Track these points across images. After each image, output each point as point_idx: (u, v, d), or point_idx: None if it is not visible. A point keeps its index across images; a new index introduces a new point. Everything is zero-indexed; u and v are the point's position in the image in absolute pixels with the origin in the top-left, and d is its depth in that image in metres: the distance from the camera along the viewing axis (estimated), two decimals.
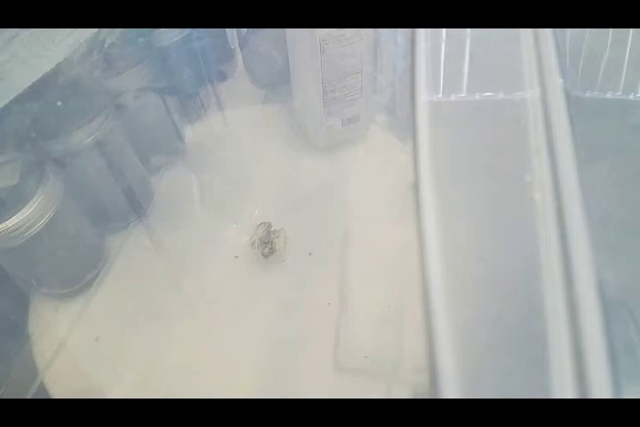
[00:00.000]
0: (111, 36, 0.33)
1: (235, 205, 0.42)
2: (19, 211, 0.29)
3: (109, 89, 0.37)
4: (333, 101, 0.39)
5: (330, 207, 0.40)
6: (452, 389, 0.18)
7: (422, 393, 0.25)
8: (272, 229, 0.37)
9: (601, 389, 0.17)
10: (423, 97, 0.24)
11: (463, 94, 0.24)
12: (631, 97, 0.28)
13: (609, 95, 0.28)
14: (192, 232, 0.40)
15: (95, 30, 0.29)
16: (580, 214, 0.19)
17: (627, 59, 0.29)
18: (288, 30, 0.38)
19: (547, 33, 0.24)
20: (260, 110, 0.50)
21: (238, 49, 0.49)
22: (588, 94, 0.28)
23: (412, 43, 0.25)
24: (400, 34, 0.38)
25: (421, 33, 0.25)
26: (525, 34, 0.25)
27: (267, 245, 0.36)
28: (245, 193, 0.43)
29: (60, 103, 0.32)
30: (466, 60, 0.25)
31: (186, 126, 0.47)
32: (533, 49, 0.24)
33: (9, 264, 0.32)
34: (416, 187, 0.22)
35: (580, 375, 0.17)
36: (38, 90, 0.26)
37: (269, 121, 0.48)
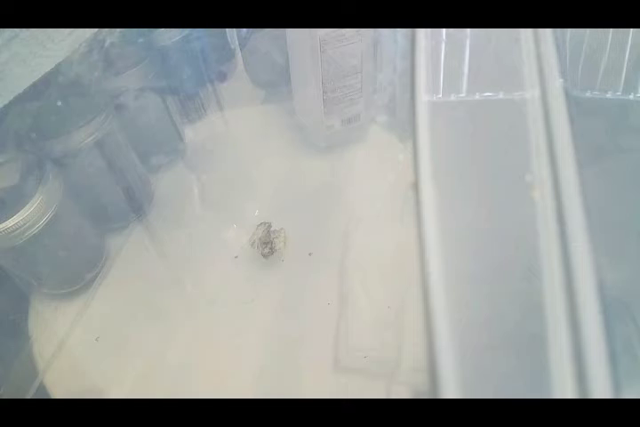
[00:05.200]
0: (111, 36, 0.33)
1: (235, 205, 0.42)
2: (19, 211, 0.29)
3: (109, 89, 0.37)
4: (333, 101, 0.39)
5: (330, 207, 0.40)
6: (451, 389, 0.18)
7: (422, 393, 0.25)
8: (272, 229, 0.37)
9: (601, 389, 0.17)
10: (423, 97, 0.24)
11: (463, 94, 0.24)
12: (631, 97, 0.28)
13: (609, 95, 0.28)
14: (192, 232, 0.40)
15: (95, 30, 0.29)
16: (580, 214, 0.19)
17: (627, 59, 0.29)
18: (288, 30, 0.38)
19: (547, 33, 0.24)
20: (260, 110, 0.50)
21: (238, 49, 0.49)
22: (588, 94, 0.28)
23: (412, 43, 0.25)
24: (400, 34, 0.38)
25: (421, 33, 0.25)
26: (525, 34, 0.25)
27: (267, 245, 0.36)
28: (245, 193, 0.42)
29: (60, 103, 0.32)
30: (466, 60, 0.25)
31: (186, 126, 0.47)
32: (533, 49, 0.24)
33: (9, 264, 0.32)
34: (416, 187, 0.22)
35: (580, 375, 0.17)
36: (38, 90, 0.26)
37: (269, 121, 0.48)
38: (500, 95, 0.23)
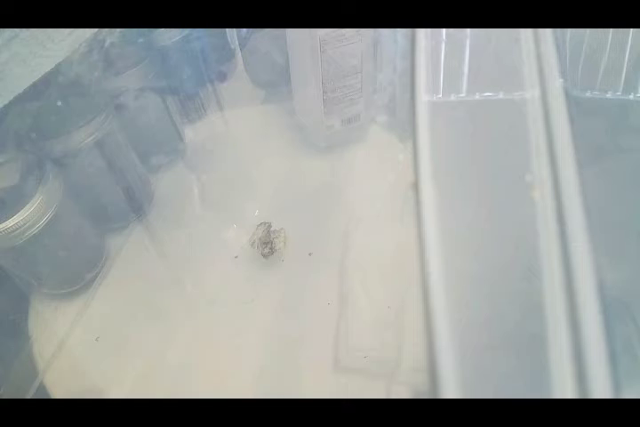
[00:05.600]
0: (111, 35, 0.33)
1: (235, 205, 0.42)
2: (19, 211, 0.29)
3: (109, 89, 0.37)
4: (333, 101, 0.39)
5: (330, 207, 0.40)
6: (451, 389, 0.18)
7: (422, 393, 0.25)
8: (272, 229, 0.37)
9: (601, 389, 0.17)
10: (423, 97, 0.24)
11: (463, 94, 0.24)
12: (631, 97, 0.28)
13: (609, 95, 0.28)
14: (192, 232, 0.40)
15: (95, 30, 0.29)
16: (580, 214, 0.19)
17: (626, 59, 0.29)
18: (288, 30, 0.38)
19: (547, 33, 0.24)
20: (260, 110, 0.50)
21: (238, 49, 0.49)
22: (587, 94, 0.28)
23: (412, 43, 0.25)
24: (400, 34, 0.39)
25: (421, 33, 0.25)
26: (525, 34, 0.25)
27: (267, 245, 0.36)
28: (245, 193, 0.43)
29: (60, 103, 0.32)
30: (466, 60, 0.25)
31: (186, 126, 0.47)
32: (533, 49, 0.24)
33: (9, 264, 0.32)
34: (416, 187, 0.22)
35: (580, 375, 0.17)
36: (38, 90, 0.26)
37: (269, 121, 0.48)
38: (500, 95, 0.23)
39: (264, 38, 0.46)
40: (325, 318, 0.33)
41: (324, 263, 0.36)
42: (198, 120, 0.48)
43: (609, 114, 0.29)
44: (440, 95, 0.24)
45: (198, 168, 0.45)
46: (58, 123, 0.32)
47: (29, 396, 0.31)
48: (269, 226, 0.37)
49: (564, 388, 0.17)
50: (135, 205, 0.40)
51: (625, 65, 0.29)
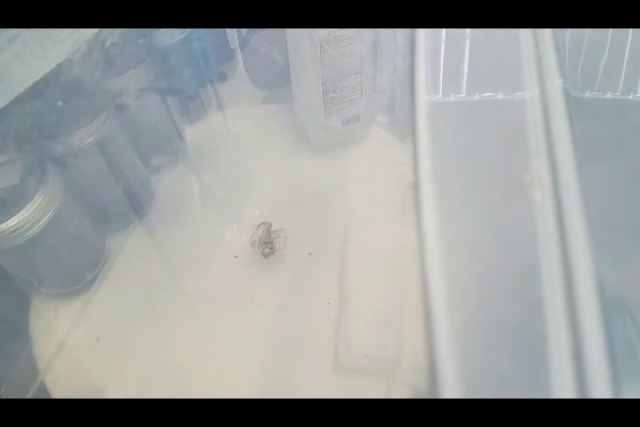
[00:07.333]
0: (112, 36, 0.33)
1: (235, 204, 0.42)
2: (19, 211, 0.29)
3: (110, 89, 0.37)
4: (333, 102, 0.39)
5: (330, 207, 0.40)
6: (451, 389, 0.18)
7: (422, 393, 0.25)
8: (272, 229, 0.37)
9: (600, 389, 0.17)
10: (423, 97, 0.24)
11: (463, 95, 0.24)
12: (630, 97, 0.28)
13: (608, 95, 0.28)
14: (192, 232, 0.40)
15: (96, 30, 0.29)
16: (580, 214, 0.19)
17: (626, 59, 0.29)
18: (288, 30, 0.38)
19: (546, 33, 0.24)
20: (261, 110, 0.50)
21: (238, 49, 0.49)
22: (587, 94, 0.28)
23: (412, 43, 0.25)
24: (400, 34, 0.39)
25: (421, 33, 0.25)
26: (525, 34, 0.25)
27: (267, 244, 0.36)
28: (245, 193, 0.43)
29: (60, 103, 0.32)
30: (465, 61, 0.25)
31: (186, 126, 0.47)
32: (533, 49, 0.24)
33: (9, 264, 0.32)
34: (416, 187, 0.22)
35: (580, 375, 0.17)
36: (39, 90, 0.27)
37: (269, 121, 0.48)
38: (500, 95, 0.23)
39: (264, 39, 0.46)
40: (325, 317, 0.33)
41: (324, 263, 0.36)
42: (198, 120, 0.48)
43: (608, 114, 0.29)
44: (440, 95, 0.24)
45: (198, 168, 0.45)
46: (58, 123, 0.32)
47: (30, 396, 0.31)
48: (270, 226, 0.37)
49: (563, 388, 0.17)
50: (136, 205, 0.40)
51: (624, 65, 0.29)
